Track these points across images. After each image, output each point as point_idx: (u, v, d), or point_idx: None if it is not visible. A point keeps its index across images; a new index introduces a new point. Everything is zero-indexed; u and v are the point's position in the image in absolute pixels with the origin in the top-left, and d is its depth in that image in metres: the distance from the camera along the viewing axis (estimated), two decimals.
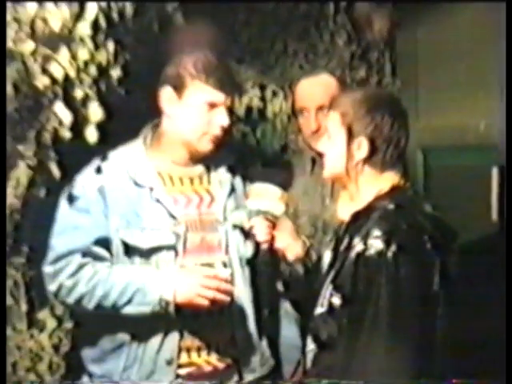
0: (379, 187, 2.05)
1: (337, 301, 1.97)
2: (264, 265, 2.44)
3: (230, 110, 2.32)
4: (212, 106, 2.27)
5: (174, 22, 2.80)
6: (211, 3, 2.89)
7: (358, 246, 1.95)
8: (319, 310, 2.03)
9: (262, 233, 2.28)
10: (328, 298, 2.00)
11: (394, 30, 3.67)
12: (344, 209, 2.15)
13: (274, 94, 3.45)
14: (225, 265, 2.32)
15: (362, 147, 2.04)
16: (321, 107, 2.66)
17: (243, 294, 2.36)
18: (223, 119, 2.28)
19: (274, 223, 2.26)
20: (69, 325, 2.85)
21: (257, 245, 2.32)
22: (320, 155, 2.54)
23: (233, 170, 2.44)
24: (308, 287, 2.23)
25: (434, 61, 3.50)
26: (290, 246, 2.29)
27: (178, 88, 2.27)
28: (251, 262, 2.39)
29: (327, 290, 2.02)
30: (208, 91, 2.26)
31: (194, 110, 2.28)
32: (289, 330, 2.55)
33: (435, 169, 3.46)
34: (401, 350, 1.86)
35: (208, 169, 2.39)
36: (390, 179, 2.07)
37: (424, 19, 3.50)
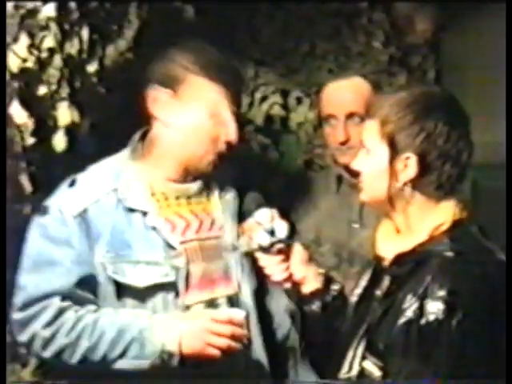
0: (435, 222, 1.75)
1: (376, 371, 1.72)
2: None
3: (238, 116, 2.10)
4: (217, 113, 2.06)
5: (182, 14, 2.60)
6: None
7: (409, 307, 1.67)
8: (346, 372, 1.79)
9: (277, 272, 2.01)
10: (360, 359, 1.76)
11: (438, 32, 3.51)
12: (386, 243, 1.86)
13: (299, 101, 3.32)
14: (231, 300, 2.11)
15: (409, 165, 1.74)
16: (351, 115, 2.52)
17: (256, 335, 2.14)
18: (231, 135, 2.07)
19: (286, 252, 2.02)
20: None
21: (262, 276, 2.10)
22: (350, 171, 2.48)
23: (238, 188, 2.21)
24: (326, 329, 2.03)
25: (484, 68, 3.33)
26: (305, 278, 2.05)
27: (175, 88, 2.04)
28: (259, 295, 2.19)
29: (358, 348, 1.78)
30: (214, 90, 2.05)
31: (200, 123, 2.06)
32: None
33: (479, 189, 3.24)
34: None
35: (209, 185, 2.17)
36: (448, 210, 1.77)
37: (473, 20, 3.35)
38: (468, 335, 1.62)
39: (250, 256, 2.12)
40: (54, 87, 2.13)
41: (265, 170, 3.17)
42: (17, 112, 2.00)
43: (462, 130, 1.76)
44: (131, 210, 2.04)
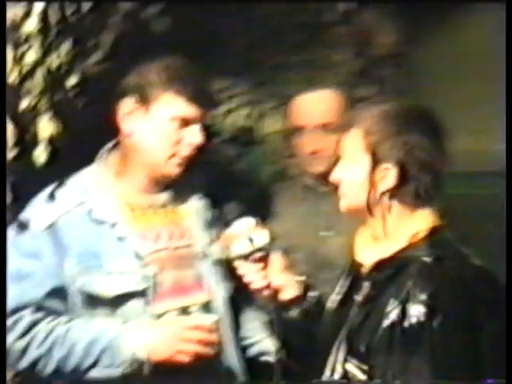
0: (413, 229, 1.80)
1: (359, 374, 1.76)
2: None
3: (206, 127, 2.14)
4: (184, 122, 2.10)
5: (152, 27, 2.61)
6: (197, 8, 2.75)
7: (392, 310, 1.71)
8: (329, 373, 1.83)
9: (257, 280, 2.02)
10: (342, 362, 1.80)
11: (403, 44, 3.55)
12: (364, 250, 1.90)
13: (268, 112, 3.37)
14: (205, 307, 2.14)
15: (388, 176, 1.80)
16: (321, 126, 2.57)
17: (228, 339, 2.18)
18: (194, 137, 2.10)
19: (265, 260, 2.02)
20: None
21: (239, 282, 2.11)
22: (319, 180, 2.56)
23: (210, 197, 2.26)
24: (305, 335, 2.06)
25: (449, 77, 3.45)
26: (283, 285, 2.07)
27: (143, 101, 2.08)
28: (235, 302, 2.23)
29: (339, 351, 1.82)
30: (180, 105, 2.08)
31: (161, 128, 2.10)
32: None
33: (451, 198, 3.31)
34: None
35: (179, 195, 2.20)
36: (425, 218, 1.81)
37: (438, 31, 3.45)
38: (449, 336, 1.66)
39: (221, 264, 2.16)
40: (35, 100, 2.15)
41: (233, 180, 3.16)
42: None
43: (440, 142, 1.81)
44: (100, 222, 2.06)
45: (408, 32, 3.48)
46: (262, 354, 2.29)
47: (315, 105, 2.59)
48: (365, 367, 1.75)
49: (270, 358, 2.18)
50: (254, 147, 3.34)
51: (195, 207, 2.22)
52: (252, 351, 2.30)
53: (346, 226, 2.39)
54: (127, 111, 2.09)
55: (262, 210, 2.57)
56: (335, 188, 2.32)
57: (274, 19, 3.23)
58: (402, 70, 3.56)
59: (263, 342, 2.30)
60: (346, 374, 1.79)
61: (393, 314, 1.71)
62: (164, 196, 2.17)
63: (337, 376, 1.80)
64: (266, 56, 3.29)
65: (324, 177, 2.50)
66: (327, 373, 1.83)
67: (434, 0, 3.29)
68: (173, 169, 2.11)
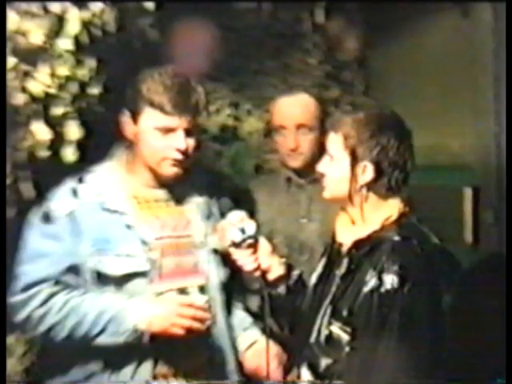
0: (385, 215, 2.00)
1: (342, 334, 1.94)
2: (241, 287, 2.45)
3: (190, 132, 2.24)
4: (167, 130, 2.22)
5: (152, 38, 2.75)
6: (188, 19, 2.87)
7: (370, 280, 1.91)
8: (315, 337, 2.00)
9: (248, 263, 2.19)
10: (326, 325, 1.98)
11: (365, 50, 3.71)
12: (344, 232, 2.08)
13: (249, 112, 3.47)
14: (202, 289, 2.29)
15: (366, 172, 1.99)
16: (300, 126, 2.70)
17: (220, 319, 2.34)
18: (179, 143, 2.22)
19: (254, 246, 2.19)
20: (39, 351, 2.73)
21: (234, 268, 2.27)
22: (298, 174, 2.72)
23: (208, 193, 2.41)
24: (291, 307, 2.21)
25: (407, 80, 3.51)
26: (270, 267, 2.23)
27: (134, 112, 2.24)
28: (228, 286, 2.38)
29: (324, 317, 2.00)
30: (159, 117, 2.21)
31: (148, 136, 2.23)
32: None
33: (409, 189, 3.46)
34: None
35: (184, 190, 2.35)
36: (395, 206, 2.02)
37: (397, 39, 3.53)
38: (416, 300, 1.87)
39: (217, 252, 2.32)
40: (66, 108, 2.33)
41: (219, 174, 3.27)
42: (40, 130, 2.23)
43: (407, 143, 2.01)
44: (112, 211, 2.23)
45: (370, 38, 3.64)
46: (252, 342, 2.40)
47: (294, 107, 2.72)
48: (347, 328, 1.93)
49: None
50: (237, 144, 3.44)
51: (196, 202, 2.36)
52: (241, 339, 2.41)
53: (319, 214, 2.66)
54: (125, 121, 2.25)
55: (246, 201, 2.72)
56: (313, 180, 2.48)
57: (254, 30, 3.37)
58: (365, 72, 3.73)
59: (249, 330, 2.43)
60: (330, 336, 1.96)
61: (371, 282, 1.90)
62: (171, 191, 2.32)
63: (322, 337, 1.97)
64: (247, 62, 3.43)
65: (302, 171, 2.72)
66: (314, 335, 1.99)
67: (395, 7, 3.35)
68: (167, 169, 2.24)
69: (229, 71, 3.40)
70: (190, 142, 2.24)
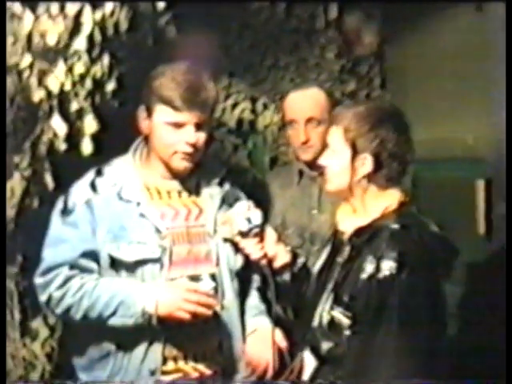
0: (385, 204, 2.03)
1: (343, 318, 1.97)
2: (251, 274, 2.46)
3: (200, 126, 2.26)
4: (178, 125, 2.25)
5: (166, 35, 2.82)
6: (204, 17, 2.92)
7: (369, 266, 1.95)
8: (318, 321, 2.04)
9: (255, 251, 2.23)
10: (328, 310, 2.01)
11: (383, 44, 3.70)
12: (345, 220, 2.11)
13: (265, 106, 3.49)
14: (213, 277, 2.31)
15: (366, 163, 2.02)
16: (310, 119, 2.72)
17: (232, 305, 2.37)
18: (189, 137, 2.24)
19: (260, 235, 2.23)
20: (60, 334, 2.87)
21: (246, 257, 2.31)
22: (310, 166, 2.72)
23: (223, 183, 2.43)
24: (296, 293, 2.25)
25: (423, 74, 3.51)
26: (276, 254, 2.27)
27: (148, 108, 2.28)
28: (241, 274, 2.40)
29: (326, 302, 2.03)
30: (170, 112, 2.24)
31: (160, 131, 2.27)
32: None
33: (423, 180, 3.45)
34: (411, 368, 1.89)
35: (198, 181, 2.39)
36: (394, 196, 2.04)
37: (413, 34, 3.53)
38: (414, 285, 1.91)
39: (229, 242, 2.33)
40: (82, 104, 2.41)
41: (236, 166, 3.33)
42: (57, 124, 2.33)
43: (406, 135, 2.03)
44: (128, 201, 2.27)
45: (387, 32, 3.63)
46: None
47: (304, 101, 2.73)
48: (348, 313, 1.96)
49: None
50: (255, 136, 3.48)
51: (209, 192, 2.38)
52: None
53: (330, 205, 2.63)
54: (141, 116, 2.30)
55: (262, 192, 2.80)
56: (322, 173, 2.51)
57: (269, 25, 3.40)
58: (382, 66, 3.71)
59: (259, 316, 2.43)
60: (332, 321, 1.99)
61: (370, 268, 1.93)
62: (185, 182, 2.35)
63: (324, 322, 2.00)
64: (263, 57, 3.47)
65: (313, 163, 2.63)
66: (316, 319, 2.04)
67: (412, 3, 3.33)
68: (178, 163, 2.27)
69: (245, 66, 3.44)
70: (201, 137, 2.27)
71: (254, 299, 2.48)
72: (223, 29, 3.18)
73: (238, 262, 2.38)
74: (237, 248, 2.31)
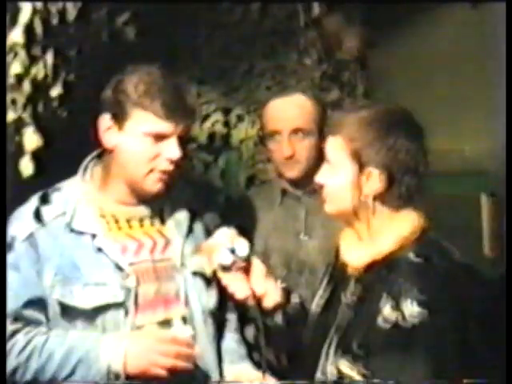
0: (398, 230, 1.84)
1: (349, 372, 1.79)
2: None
3: (182, 140, 2.08)
4: (159, 137, 2.05)
5: (124, 34, 2.62)
6: (167, 15, 2.77)
7: (387, 309, 1.76)
8: (322, 376, 1.85)
9: (240, 289, 2.01)
10: (332, 360, 1.83)
11: (366, 49, 3.65)
12: (350, 250, 1.92)
13: (239, 118, 3.42)
14: (185, 320, 2.12)
15: (373, 179, 1.82)
16: (295, 131, 2.56)
17: (206, 351, 2.14)
18: (173, 152, 2.05)
19: (246, 269, 2.01)
20: None
21: (221, 293, 2.12)
22: (295, 184, 2.58)
23: (191, 208, 2.22)
24: (291, 340, 2.08)
25: (412, 81, 3.49)
26: (266, 292, 2.04)
27: (118, 116, 2.06)
28: (215, 314, 2.20)
29: (329, 349, 1.86)
30: (153, 121, 2.04)
31: (137, 144, 2.06)
32: None
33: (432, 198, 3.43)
34: None
35: (161, 207, 2.17)
36: (410, 218, 1.85)
37: (400, 36, 3.52)
38: (442, 331, 1.72)
39: (201, 276, 2.14)
40: (19, 112, 2.16)
41: (209, 186, 3.21)
42: None
43: (419, 142, 1.84)
44: (80, 233, 2.06)
45: (371, 36, 3.59)
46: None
47: (289, 110, 2.58)
48: (359, 365, 1.77)
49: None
50: (228, 152, 3.39)
51: (176, 219, 2.19)
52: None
53: (319, 229, 2.51)
54: (105, 127, 2.08)
55: (238, 215, 2.58)
56: (312, 191, 2.34)
57: (242, 26, 3.29)
58: (367, 73, 3.66)
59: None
60: (339, 375, 1.81)
61: (387, 311, 1.75)
62: (147, 208, 2.16)
63: (329, 377, 1.83)
64: (237, 63, 3.36)
65: (299, 181, 2.55)
66: (318, 373, 1.85)
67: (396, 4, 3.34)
68: (153, 184, 2.08)
69: (216, 73, 3.36)
70: (181, 153, 2.08)
71: (230, 342, 2.28)
72: (190, 30, 3.05)
73: (211, 299, 2.18)
74: (211, 283, 2.14)
